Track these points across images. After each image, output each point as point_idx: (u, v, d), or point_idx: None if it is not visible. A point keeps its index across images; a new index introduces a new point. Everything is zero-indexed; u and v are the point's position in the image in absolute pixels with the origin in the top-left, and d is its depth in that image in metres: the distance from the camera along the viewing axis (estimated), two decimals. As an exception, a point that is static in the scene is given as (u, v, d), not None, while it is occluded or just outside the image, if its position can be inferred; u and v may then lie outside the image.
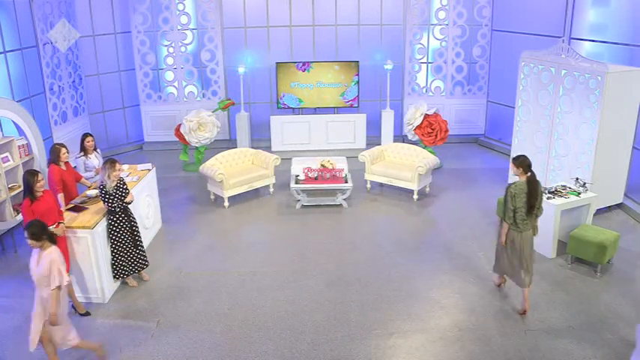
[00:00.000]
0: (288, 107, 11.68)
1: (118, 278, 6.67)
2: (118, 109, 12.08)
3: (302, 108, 11.69)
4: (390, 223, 8.57)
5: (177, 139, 10.90)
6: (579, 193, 7.40)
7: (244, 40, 11.94)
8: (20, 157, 8.13)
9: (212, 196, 9.40)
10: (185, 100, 12.20)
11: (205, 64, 12.08)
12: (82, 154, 7.75)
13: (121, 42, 11.72)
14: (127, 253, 6.65)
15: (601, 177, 8.04)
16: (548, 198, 7.22)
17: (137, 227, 6.75)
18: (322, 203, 9.08)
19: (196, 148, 10.80)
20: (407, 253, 7.51)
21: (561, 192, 7.43)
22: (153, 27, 11.73)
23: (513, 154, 8.71)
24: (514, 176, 6.18)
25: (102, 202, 6.46)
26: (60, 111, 10.36)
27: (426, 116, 10.46)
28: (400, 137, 12.09)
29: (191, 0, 11.75)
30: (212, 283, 6.86)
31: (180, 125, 10.66)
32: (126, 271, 6.68)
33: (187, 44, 11.93)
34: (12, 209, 7.87)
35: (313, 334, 5.84)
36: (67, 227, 6.12)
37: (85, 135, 7.84)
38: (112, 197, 6.37)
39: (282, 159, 10.05)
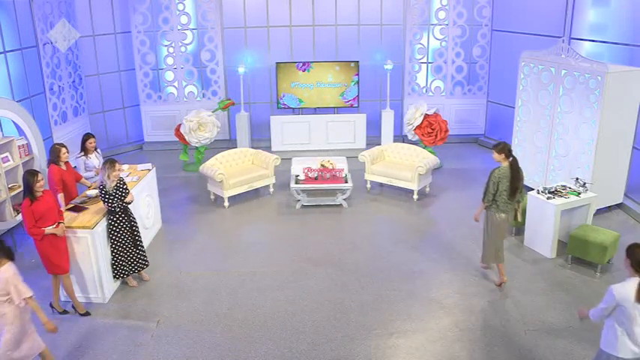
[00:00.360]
0: (288, 107, 11.67)
1: (118, 278, 6.67)
2: (118, 109, 12.08)
3: (302, 108, 11.69)
4: (390, 223, 8.57)
5: (177, 139, 10.89)
6: (579, 193, 7.39)
7: (244, 40, 11.94)
8: (20, 157, 8.14)
9: (212, 196, 9.40)
10: (185, 100, 12.20)
11: (205, 64, 12.08)
12: (82, 154, 7.72)
13: (121, 42, 11.71)
14: (127, 253, 6.65)
15: (601, 177, 8.04)
16: (548, 198, 7.24)
17: (137, 227, 6.75)
18: (322, 203, 9.08)
19: (196, 148, 10.80)
20: (407, 253, 7.51)
21: (561, 192, 7.42)
22: (153, 27, 11.73)
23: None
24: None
25: (102, 202, 6.46)
26: (60, 111, 10.36)
27: (426, 116, 10.46)
28: (400, 137, 12.08)
29: (191, 0, 11.75)
30: (212, 283, 6.85)
31: (180, 125, 10.66)
32: (126, 271, 6.67)
33: (187, 44, 11.93)
34: (12, 209, 7.89)
35: (313, 334, 5.84)
36: (67, 227, 6.11)
37: (88, 136, 7.75)
38: (111, 197, 6.36)
39: (282, 159, 10.04)
